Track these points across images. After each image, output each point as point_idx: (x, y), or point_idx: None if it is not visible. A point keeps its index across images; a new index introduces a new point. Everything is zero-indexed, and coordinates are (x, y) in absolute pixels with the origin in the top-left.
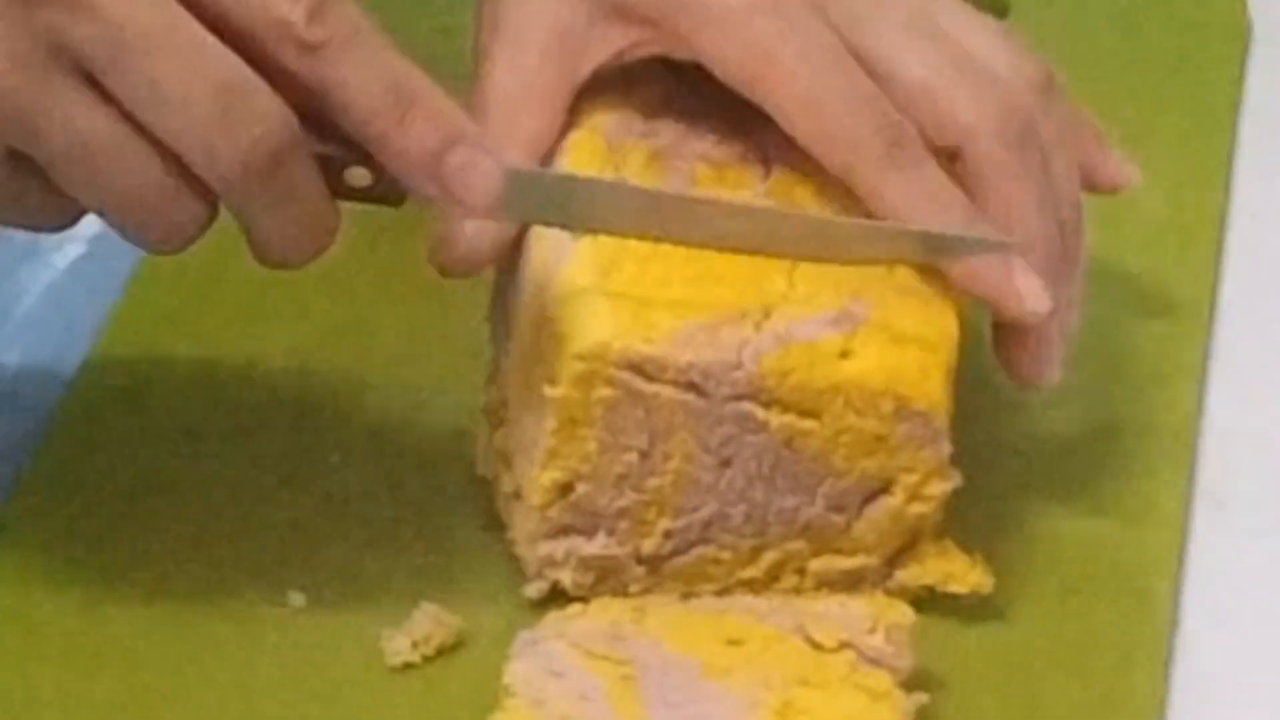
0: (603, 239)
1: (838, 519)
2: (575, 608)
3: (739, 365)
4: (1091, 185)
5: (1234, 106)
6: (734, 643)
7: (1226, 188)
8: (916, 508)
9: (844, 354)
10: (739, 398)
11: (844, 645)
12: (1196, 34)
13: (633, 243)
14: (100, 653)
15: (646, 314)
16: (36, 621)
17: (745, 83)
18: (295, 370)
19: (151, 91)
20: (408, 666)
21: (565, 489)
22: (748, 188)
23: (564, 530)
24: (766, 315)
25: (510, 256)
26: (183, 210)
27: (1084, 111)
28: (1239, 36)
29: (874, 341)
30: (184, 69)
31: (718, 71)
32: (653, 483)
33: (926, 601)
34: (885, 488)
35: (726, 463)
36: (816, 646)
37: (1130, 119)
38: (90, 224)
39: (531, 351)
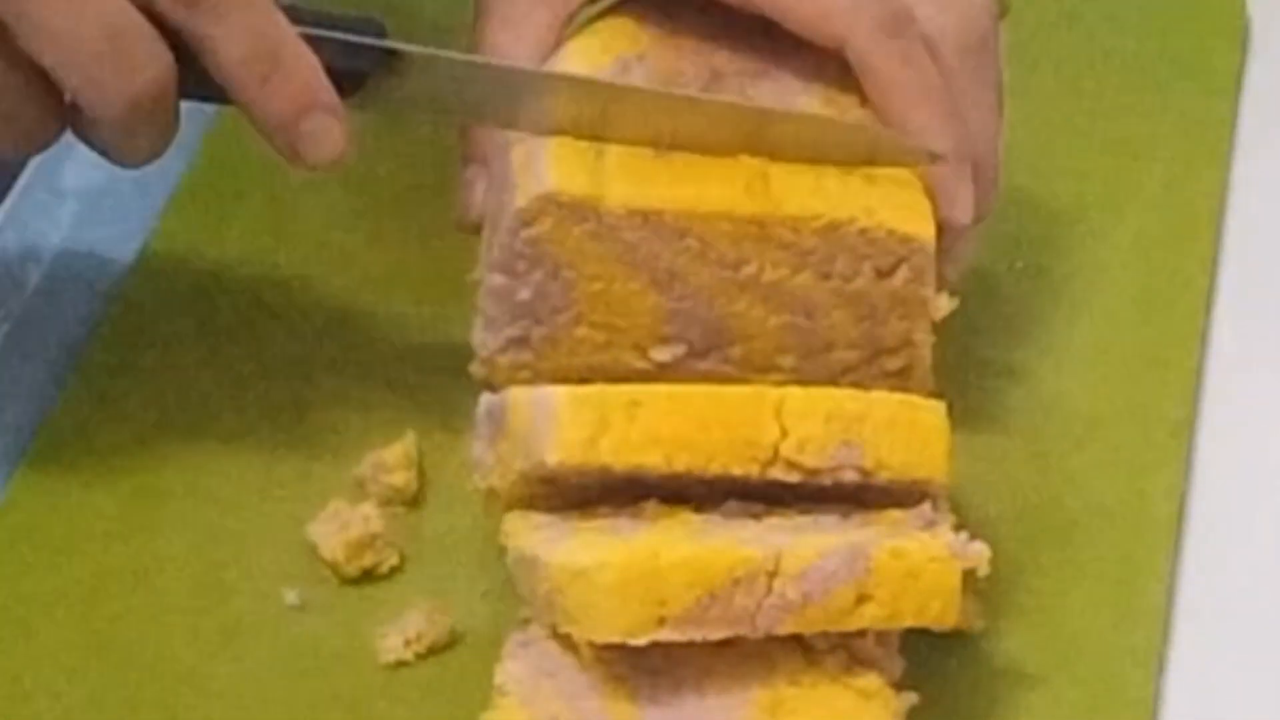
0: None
1: None
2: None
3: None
4: None
5: (1233, 106)
6: (725, 643)
7: (1224, 188)
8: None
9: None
10: None
11: (835, 647)
12: (1196, 34)
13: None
14: (94, 649)
15: None
16: (29, 616)
17: None
18: (290, 370)
19: (42, 31)
20: (400, 664)
21: None
22: None
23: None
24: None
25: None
26: (42, 128)
27: None
28: (1238, 36)
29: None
30: (75, 10)
31: None
32: None
33: None
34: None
35: None
36: (808, 648)
37: (1129, 119)
38: None
39: None
